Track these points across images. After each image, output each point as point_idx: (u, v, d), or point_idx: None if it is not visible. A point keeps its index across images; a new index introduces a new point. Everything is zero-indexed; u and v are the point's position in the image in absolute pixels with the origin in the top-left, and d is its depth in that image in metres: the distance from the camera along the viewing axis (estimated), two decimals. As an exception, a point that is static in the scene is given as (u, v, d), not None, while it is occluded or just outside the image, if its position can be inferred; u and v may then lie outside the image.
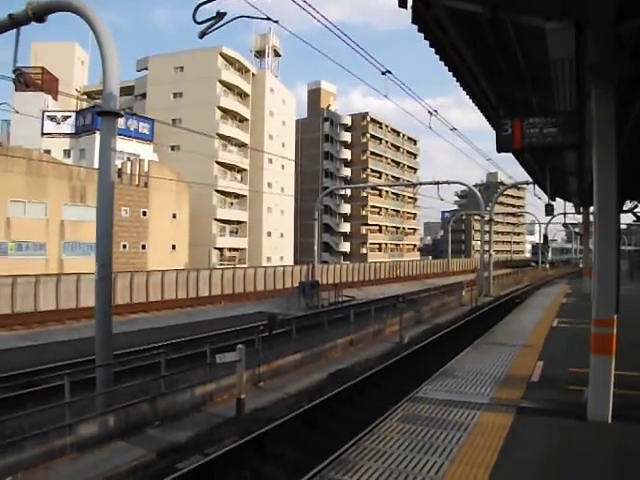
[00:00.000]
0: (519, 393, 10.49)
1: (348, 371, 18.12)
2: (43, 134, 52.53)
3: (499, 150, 9.09)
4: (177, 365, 15.73)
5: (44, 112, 52.58)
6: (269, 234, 73.18)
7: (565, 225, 76.73)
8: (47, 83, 61.88)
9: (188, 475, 9.73)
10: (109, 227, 13.75)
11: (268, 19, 11.88)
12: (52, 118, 53.44)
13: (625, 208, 35.34)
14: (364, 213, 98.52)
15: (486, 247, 49.68)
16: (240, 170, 70.23)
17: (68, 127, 53.47)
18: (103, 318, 13.56)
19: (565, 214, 53.03)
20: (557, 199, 38.64)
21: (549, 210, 33.70)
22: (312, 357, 19.11)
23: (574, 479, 6.83)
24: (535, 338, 17.09)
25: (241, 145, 69.42)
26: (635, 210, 38.20)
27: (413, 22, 9.61)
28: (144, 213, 49.60)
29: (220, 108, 66.43)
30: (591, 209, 30.78)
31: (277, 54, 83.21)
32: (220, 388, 14.66)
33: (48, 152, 49.22)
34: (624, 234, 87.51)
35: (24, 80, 15.05)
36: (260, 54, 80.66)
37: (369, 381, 16.52)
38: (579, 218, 47.77)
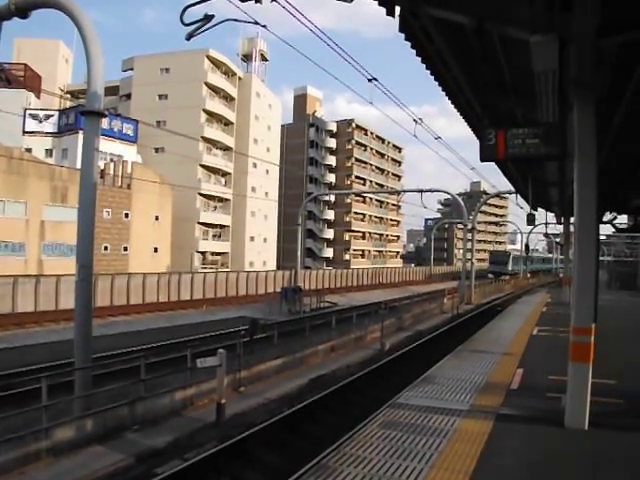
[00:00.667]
0: (499, 400, 10.57)
1: (329, 377, 18.13)
2: (25, 132, 51.95)
3: (482, 159, 9.19)
4: (157, 369, 15.63)
5: (26, 110, 52.02)
6: (252, 239, 73.07)
7: (546, 235, 77.29)
8: (30, 80, 61.42)
9: None
10: (90, 228, 13.65)
11: (256, 23, 11.92)
12: (34, 116, 52.86)
13: (605, 219, 35.70)
14: (348, 219, 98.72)
15: (468, 255, 49.86)
16: (224, 174, 70.09)
17: (50, 126, 52.92)
18: (83, 320, 13.44)
19: (547, 224, 53.37)
20: (539, 209, 39.03)
21: (530, 220, 33.96)
22: (293, 363, 19.11)
23: (551, 486, 6.91)
24: (515, 346, 17.21)
25: (226, 149, 69.34)
26: (614, 221, 38.61)
27: (400, 31, 9.70)
28: (126, 215, 49.29)
29: (205, 111, 66.29)
30: (572, 220, 31.09)
31: (264, 58, 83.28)
32: (200, 393, 14.60)
33: (29, 151, 48.70)
34: (603, 245, 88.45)
35: (6, 76, 14.96)
36: (247, 58, 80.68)
37: (350, 387, 16.54)
38: (560, 228, 48.15)
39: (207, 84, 66.62)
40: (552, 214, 42.62)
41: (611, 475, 7.25)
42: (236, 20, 11.74)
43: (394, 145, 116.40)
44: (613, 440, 8.47)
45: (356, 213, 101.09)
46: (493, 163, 19.76)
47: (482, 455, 7.64)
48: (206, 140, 65.04)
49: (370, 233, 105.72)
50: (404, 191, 65.33)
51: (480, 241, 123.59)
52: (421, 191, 45.80)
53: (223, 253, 69.25)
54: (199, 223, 64.92)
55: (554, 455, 7.82)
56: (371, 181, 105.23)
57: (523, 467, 7.36)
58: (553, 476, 7.16)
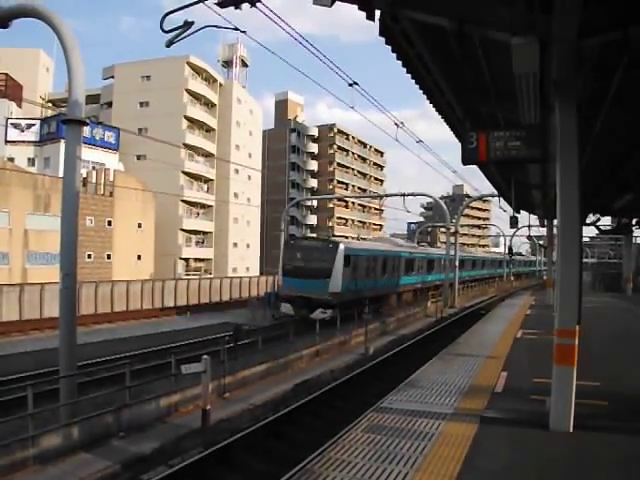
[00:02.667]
0: (483, 403, 10.58)
1: (314, 382, 18.11)
2: (6, 142, 51.60)
3: (464, 162, 9.20)
4: (142, 376, 15.53)
5: (8, 119, 51.73)
6: (235, 245, 72.86)
7: (529, 237, 77.69)
8: (11, 89, 60.84)
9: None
10: (74, 236, 13.57)
11: (236, 29, 11.87)
12: (16, 125, 52.50)
13: (588, 221, 35.99)
14: (330, 224, 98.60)
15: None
16: (206, 180, 69.90)
17: (32, 135, 52.54)
18: (67, 328, 13.34)
19: (530, 227, 53.68)
20: (522, 212, 39.20)
21: (513, 222, 34.13)
22: (278, 368, 19.07)
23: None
24: (499, 349, 17.25)
25: (207, 155, 69.17)
26: (597, 223, 38.94)
27: (381, 34, 9.71)
28: (109, 223, 48.98)
29: (187, 118, 66.09)
30: (555, 222, 31.27)
31: (244, 64, 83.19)
32: (185, 399, 14.57)
33: (12, 160, 48.43)
34: (587, 247, 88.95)
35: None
36: (227, 64, 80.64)
37: (334, 392, 16.51)
38: (543, 231, 48.43)
39: (188, 91, 66.44)
40: (535, 217, 42.88)
41: (596, 477, 7.27)
42: (216, 26, 11.66)
43: (376, 149, 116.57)
44: (598, 442, 8.50)
45: (339, 218, 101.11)
46: (476, 166, 19.86)
47: (467, 458, 7.63)
48: (188, 147, 64.82)
49: (353, 237, 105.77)
50: (386, 195, 65.51)
51: (463, 244, 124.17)
52: (403, 195, 45.87)
53: (206, 259, 69.03)
54: (182, 230, 64.68)
55: (539, 457, 7.83)
56: (353, 185, 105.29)
57: (507, 470, 7.37)
58: (537, 479, 7.16)
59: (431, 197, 53.97)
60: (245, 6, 8.81)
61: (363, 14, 8.43)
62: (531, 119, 10.74)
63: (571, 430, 8.71)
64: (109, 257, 49.17)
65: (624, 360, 15.57)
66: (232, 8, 8.85)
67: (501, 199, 36.01)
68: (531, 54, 7.81)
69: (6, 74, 56.62)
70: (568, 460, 7.81)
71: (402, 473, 7.12)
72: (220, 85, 73.15)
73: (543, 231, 49.01)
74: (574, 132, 8.63)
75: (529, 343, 18.42)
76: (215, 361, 14.39)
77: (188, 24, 10.85)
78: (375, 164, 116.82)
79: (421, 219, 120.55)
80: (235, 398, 15.77)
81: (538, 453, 7.98)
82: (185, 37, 11.12)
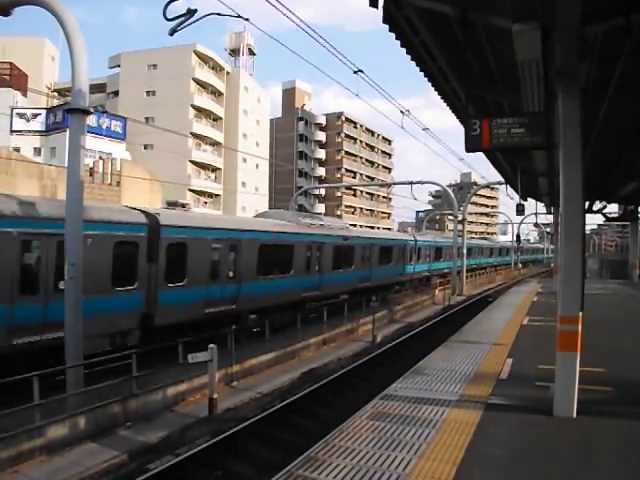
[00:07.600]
0: (488, 390, 10.60)
1: (320, 370, 18.14)
2: (12, 131, 51.54)
3: (467, 149, 9.17)
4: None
5: (13, 109, 51.68)
6: (243, 233, 72.74)
7: (536, 225, 77.48)
8: (16, 79, 60.57)
9: (159, 476, 9.68)
10: (79, 226, 13.56)
11: (239, 17, 11.86)
12: (21, 115, 52.36)
13: (594, 209, 35.86)
14: (338, 213, 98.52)
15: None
16: (214, 169, 69.97)
17: (38, 125, 52.38)
18: (73, 318, 13.35)
19: (537, 214, 53.44)
20: (529, 199, 39.10)
21: (520, 210, 34.14)
22: (285, 356, 19.09)
23: (539, 474, 6.94)
24: (505, 336, 17.24)
25: (215, 144, 69.17)
26: (604, 210, 38.77)
27: (384, 22, 9.68)
28: (117, 212, 48.86)
29: (194, 107, 66.13)
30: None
31: (252, 53, 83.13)
32: (192, 388, 14.58)
33: (18, 150, 48.34)
34: (594, 234, 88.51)
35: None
36: (235, 52, 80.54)
37: (341, 380, 16.56)
38: (551, 218, 48.28)
39: (195, 80, 66.44)
40: (542, 204, 42.76)
41: (598, 462, 7.29)
42: (219, 14, 11.64)
43: (384, 137, 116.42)
44: (600, 428, 8.52)
45: (347, 206, 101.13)
46: (483, 154, 19.80)
47: (470, 444, 7.66)
48: (195, 136, 64.85)
49: (361, 226, 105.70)
50: (394, 183, 65.47)
51: (471, 232, 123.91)
52: (411, 183, 45.68)
53: (214, 248, 68.99)
54: (190, 219, 64.60)
55: (542, 443, 7.85)
56: (361, 174, 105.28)
57: (510, 456, 7.39)
58: (540, 464, 7.18)
59: (439, 185, 53.85)
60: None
61: (366, 1, 8.42)
62: (535, 107, 10.70)
63: (574, 416, 8.74)
64: (117, 247, 49.07)
65: (629, 346, 15.55)
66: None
67: (508, 187, 35.95)
68: (533, 41, 7.78)
69: (11, 63, 56.58)
70: (570, 445, 7.82)
71: (406, 460, 7.15)
72: (227, 73, 73.18)
73: (550, 218, 48.85)
74: (577, 120, 8.60)
75: (535, 330, 18.40)
76: (222, 350, 14.40)
77: (191, 12, 10.87)
78: (383, 152, 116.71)
79: (429, 207, 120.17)
80: (242, 387, 15.80)
81: (541, 439, 8.00)
82: (188, 25, 11.15)
